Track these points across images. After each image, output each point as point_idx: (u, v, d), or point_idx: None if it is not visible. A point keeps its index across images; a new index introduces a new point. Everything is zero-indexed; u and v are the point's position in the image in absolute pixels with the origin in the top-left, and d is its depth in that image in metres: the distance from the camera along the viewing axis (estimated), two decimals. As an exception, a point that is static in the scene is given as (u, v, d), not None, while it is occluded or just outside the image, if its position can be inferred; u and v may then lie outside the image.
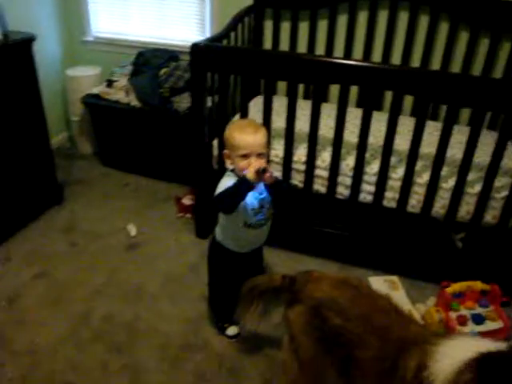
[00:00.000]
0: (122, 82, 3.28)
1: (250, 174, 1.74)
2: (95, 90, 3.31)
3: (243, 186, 1.77)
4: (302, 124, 2.53)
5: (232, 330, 2.18)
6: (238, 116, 2.76)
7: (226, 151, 1.88)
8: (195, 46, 2.30)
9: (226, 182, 1.85)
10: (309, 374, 1.68)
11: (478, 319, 2.22)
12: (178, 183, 3.31)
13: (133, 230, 2.83)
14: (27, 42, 2.63)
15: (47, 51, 3.45)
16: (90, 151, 3.73)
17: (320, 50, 3.10)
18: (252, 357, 2.10)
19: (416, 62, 2.97)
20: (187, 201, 3.00)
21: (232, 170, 1.90)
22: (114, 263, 2.62)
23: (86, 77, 3.47)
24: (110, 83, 3.31)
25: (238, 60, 2.29)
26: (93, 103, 3.28)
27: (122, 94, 3.22)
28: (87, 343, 2.15)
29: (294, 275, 1.74)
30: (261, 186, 1.88)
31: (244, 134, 1.79)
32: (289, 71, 2.23)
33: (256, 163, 1.76)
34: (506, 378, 1.17)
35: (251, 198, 1.88)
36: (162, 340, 2.17)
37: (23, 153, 2.77)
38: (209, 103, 2.54)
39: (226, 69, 2.34)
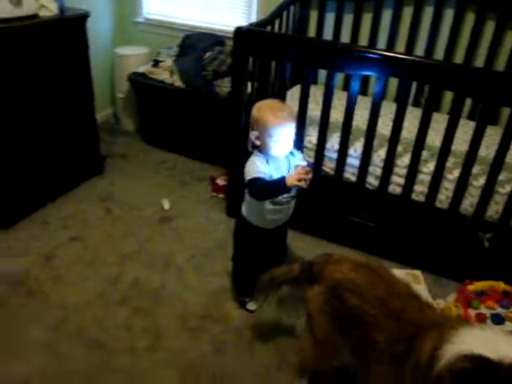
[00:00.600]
0: (168, 62, 3.39)
1: (291, 181, 1.83)
2: (141, 69, 3.43)
3: (281, 187, 1.87)
4: (338, 114, 2.57)
5: (252, 305, 2.25)
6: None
7: (255, 133, 1.92)
8: (238, 30, 2.37)
9: (257, 162, 1.92)
10: (323, 351, 1.74)
11: (498, 319, 2.21)
12: (213, 164, 3.41)
13: (166, 203, 2.94)
14: (82, 18, 2.76)
15: (99, 29, 3.59)
16: (132, 128, 3.87)
17: (363, 42, 3.12)
18: (270, 333, 2.16)
19: (459, 58, 2.96)
20: (222, 181, 3.08)
21: (259, 149, 1.97)
22: (146, 233, 2.74)
23: (134, 56, 3.60)
24: (156, 63, 3.43)
25: (278, 46, 2.35)
26: (138, 81, 3.40)
27: (167, 74, 3.33)
28: (114, 304, 2.27)
29: (312, 259, 1.80)
30: (289, 165, 1.97)
31: (278, 119, 1.86)
32: (329, 60, 2.28)
33: (301, 175, 1.84)
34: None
35: (279, 176, 1.95)
36: (185, 309, 2.27)
37: (71, 124, 2.92)
38: (249, 89, 2.61)
39: (267, 54, 2.40)
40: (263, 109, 1.92)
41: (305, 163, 2.04)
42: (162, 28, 3.71)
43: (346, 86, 3.16)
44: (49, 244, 2.61)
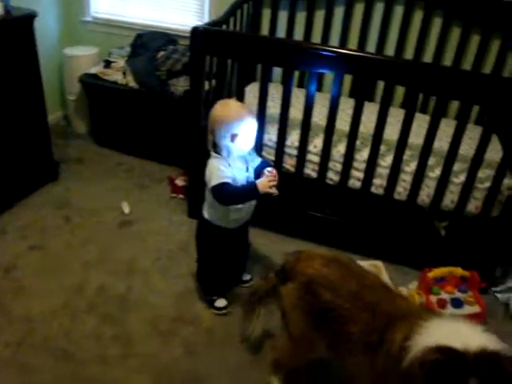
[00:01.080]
0: (120, 63, 3.33)
1: (263, 188, 1.92)
2: (93, 70, 3.35)
3: (253, 194, 1.95)
4: (296, 111, 2.60)
5: (220, 302, 2.26)
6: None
7: (218, 134, 1.93)
8: (195, 30, 2.36)
9: (220, 166, 1.93)
10: (299, 347, 1.77)
11: (457, 303, 2.32)
12: (170, 165, 3.38)
13: (126, 207, 2.90)
14: (29, 18, 2.67)
15: (45, 29, 3.47)
16: (84, 130, 3.77)
17: (316, 40, 3.16)
18: (240, 329, 2.17)
19: (409, 54, 3.05)
20: (180, 182, 3.06)
21: (217, 152, 1.98)
22: (107, 239, 2.68)
23: (84, 56, 3.50)
24: (107, 64, 3.36)
25: (236, 45, 2.36)
26: (91, 83, 3.32)
27: (119, 74, 3.27)
28: (81, 313, 2.22)
29: (283, 259, 1.82)
30: (247, 164, 2.01)
31: (242, 114, 1.92)
32: (285, 58, 2.31)
33: (271, 182, 1.94)
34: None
35: (240, 177, 1.98)
36: (153, 313, 2.25)
37: (21, 128, 2.82)
38: (206, 87, 2.60)
39: (224, 53, 2.41)
40: (224, 108, 1.94)
41: (259, 159, 2.10)
42: (112, 27, 3.63)
43: (301, 83, 3.22)
44: (7, 254, 2.52)
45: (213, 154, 2.00)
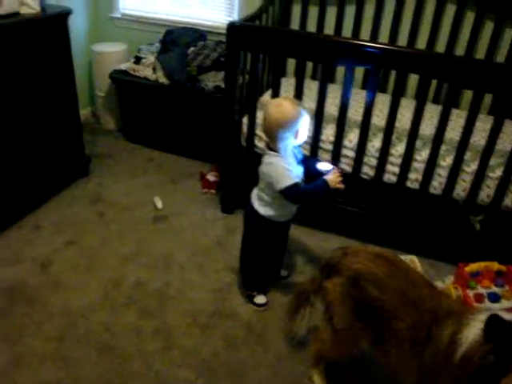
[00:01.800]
0: (150, 59, 3.34)
1: (333, 184, 1.98)
2: (123, 66, 3.37)
3: (325, 191, 1.99)
4: (329, 106, 2.60)
5: (260, 299, 2.27)
6: (266, 95, 2.84)
7: (282, 133, 1.93)
8: (232, 25, 2.36)
9: (284, 165, 1.95)
10: (342, 341, 1.78)
11: (494, 298, 2.30)
12: (200, 160, 3.39)
13: (159, 202, 2.92)
14: (64, 15, 2.69)
15: (74, 26, 3.46)
16: (113, 127, 3.80)
17: (345, 34, 3.15)
18: (279, 324, 2.19)
19: (440, 48, 3.03)
20: (211, 177, 3.08)
21: (273, 150, 1.98)
22: (142, 234, 2.71)
23: (113, 53, 3.53)
24: (137, 60, 3.37)
25: (272, 40, 2.36)
26: (121, 79, 3.34)
27: (149, 70, 3.29)
28: (120, 308, 2.25)
29: (329, 255, 1.83)
30: (296, 157, 2.04)
31: (300, 109, 1.94)
32: (322, 53, 2.30)
33: (339, 178, 2.00)
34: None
35: (297, 172, 2.01)
36: (192, 307, 2.27)
37: (55, 124, 2.85)
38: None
39: (259, 48, 2.41)
40: (283, 110, 1.92)
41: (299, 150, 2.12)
42: (140, 23, 3.65)
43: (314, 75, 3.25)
44: (43, 249, 2.55)
45: (271, 153, 1.99)
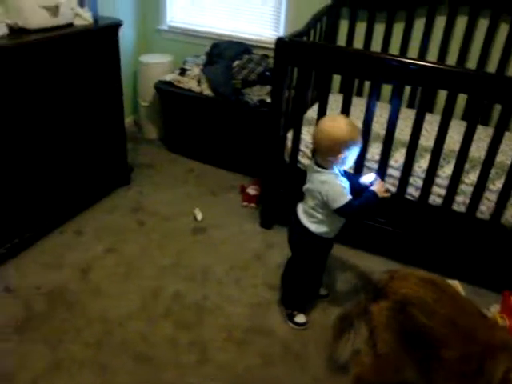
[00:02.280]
0: (195, 71, 3.38)
1: (381, 194, 1.99)
2: (168, 78, 3.41)
3: (376, 202, 2.00)
4: (374, 124, 2.56)
5: (300, 318, 2.24)
6: (311, 111, 2.82)
7: (342, 154, 1.91)
8: (280, 40, 2.36)
9: (338, 182, 1.95)
10: (384, 367, 1.72)
11: (543, 329, 2.21)
12: (241, 173, 3.39)
13: (199, 214, 2.92)
14: (115, 27, 2.75)
15: (123, 37, 3.55)
16: (155, 136, 3.85)
17: (394, 52, 3.12)
18: (317, 345, 2.15)
19: (491, 68, 2.97)
20: (252, 191, 3.07)
21: (320, 166, 1.97)
22: (181, 245, 2.71)
23: (159, 64, 3.58)
24: (182, 71, 3.41)
25: (320, 56, 2.34)
26: (165, 89, 3.38)
27: (194, 82, 3.32)
28: (157, 318, 2.25)
29: (376, 277, 1.79)
30: (341, 173, 2.03)
31: (359, 133, 1.95)
32: (370, 70, 2.28)
33: (383, 185, 2.05)
34: None
35: (347, 186, 2.00)
36: (229, 321, 2.25)
37: (100, 132, 2.90)
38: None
39: (307, 64, 2.40)
40: (350, 129, 1.90)
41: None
42: (186, 36, 3.70)
43: (359, 92, 3.25)
44: (84, 256, 2.58)
45: (323, 170, 1.97)
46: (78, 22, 2.60)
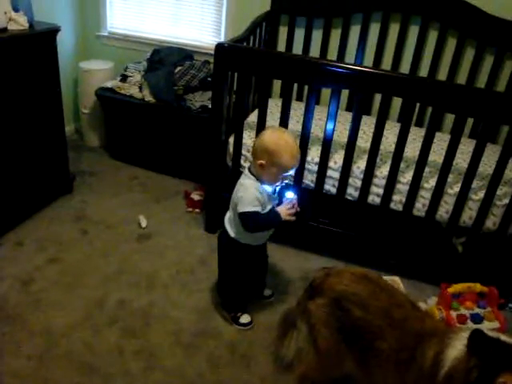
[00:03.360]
0: (136, 77, 3.36)
1: (284, 217, 1.97)
2: (109, 84, 3.37)
3: (277, 222, 1.99)
4: (314, 127, 2.63)
5: (245, 318, 2.26)
6: (252, 115, 2.86)
7: (263, 162, 1.90)
8: (220, 46, 2.39)
9: (253, 190, 1.94)
10: (327, 362, 1.77)
11: (477, 319, 2.33)
12: (185, 179, 3.40)
13: (144, 221, 2.90)
14: (52, 32, 2.69)
15: (61, 43, 3.47)
16: (97, 144, 3.79)
17: (331, 57, 3.21)
18: (263, 345, 2.18)
19: (423, 72, 3.11)
20: (196, 196, 3.07)
21: (250, 171, 1.99)
22: (126, 252, 2.68)
23: (100, 70, 3.53)
24: (124, 78, 3.38)
25: (260, 61, 2.39)
26: (107, 96, 3.34)
27: (135, 89, 3.30)
28: (102, 327, 2.21)
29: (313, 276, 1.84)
30: (274, 186, 2.03)
31: (294, 161, 1.93)
32: (309, 75, 2.34)
33: (290, 210, 1.99)
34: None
35: (270, 200, 2.02)
36: (176, 327, 2.24)
37: (40, 140, 2.83)
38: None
39: (247, 69, 2.44)
40: (282, 145, 1.89)
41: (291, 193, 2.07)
42: (127, 42, 3.67)
43: (299, 97, 3.33)
44: (25, 267, 2.51)
45: (248, 174, 1.99)
46: (12, 27, 2.53)
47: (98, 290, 2.41)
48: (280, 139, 1.91)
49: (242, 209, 1.94)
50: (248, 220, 1.95)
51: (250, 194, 1.94)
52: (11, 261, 2.54)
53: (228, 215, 2.15)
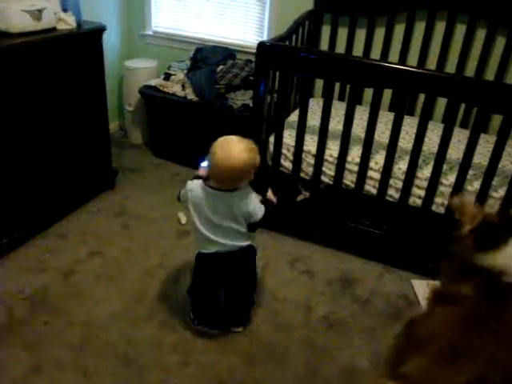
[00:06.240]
0: (179, 76, 3.40)
1: (274, 199, 2.07)
2: (153, 82, 3.43)
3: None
4: (356, 127, 2.60)
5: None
6: (293, 115, 2.86)
7: (247, 180, 1.93)
8: (262, 44, 2.40)
9: (254, 196, 1.98)
10: None
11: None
12: (225, 177, 3.41)
13: (183, 217, 2.93)
14: (98, 31, 2.76)
15: (107, 42, 3.57)
16: (140, 141, 3.86)
17: (375, 56, 3.17)
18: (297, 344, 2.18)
19: (470, 72, 3.03)
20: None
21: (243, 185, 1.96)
22: (166, 247, 2.72)
23: (144, 69, 3.60)
24: (167, 76, 3.43)
25: (301, 60, 2.37)
26: (150, 94, 3.40)
27: (178, 87, 3.34)
28: (140, 320, 2.25)
29: None
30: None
31: (257, 152, 1.93)
32: (352, 74, 2.32)
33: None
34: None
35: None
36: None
37: (84, 137, 2.90)
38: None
39: (289, 68, 2.44)
40: (252, 152, 1.89)
41: None
42: (171, 41, 3.73)
43: (341, 97, 3.31)
44: (67, 259, 2.58)
45: (249, 189, 1.98)
46: (61, 27, 2.61)
47: (137, 283, 2.46)
48: (249, 148, 1.89)
49: (262, 214, 1.96)
50: (268, 218, 1.98)
51: (256, 200, 1.97)
52: (54, 253, 2.62)
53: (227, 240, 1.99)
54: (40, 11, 2.44)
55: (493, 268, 1.59)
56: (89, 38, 2.74)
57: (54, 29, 2.56)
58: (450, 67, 3.05)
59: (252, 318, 2.28)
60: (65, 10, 2.66)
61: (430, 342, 1.52)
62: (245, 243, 2.03)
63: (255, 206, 1.94)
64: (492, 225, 1.67)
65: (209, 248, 2.01)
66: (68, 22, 2.63)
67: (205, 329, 2.21)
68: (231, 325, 2.23)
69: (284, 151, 2.66)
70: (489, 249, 1.61)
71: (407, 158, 2.45)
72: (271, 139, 2.67)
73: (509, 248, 1.60)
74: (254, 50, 2.46)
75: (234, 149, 1.87)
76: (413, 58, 3.10)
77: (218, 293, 2.16)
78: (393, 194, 2.55)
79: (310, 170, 2.66)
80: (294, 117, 2.81)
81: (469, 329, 1.49)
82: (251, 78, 3.23)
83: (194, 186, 2.01)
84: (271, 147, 2.67)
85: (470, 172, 2.38)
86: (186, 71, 3.39)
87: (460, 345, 1.46)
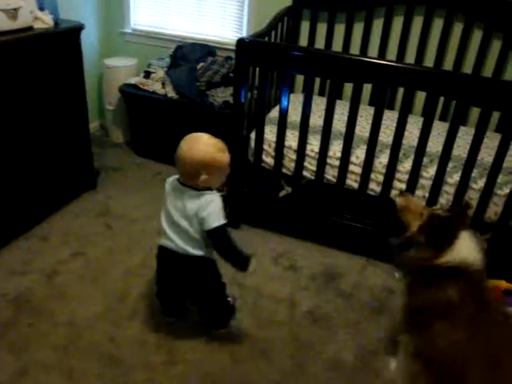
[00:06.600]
0: (159, 73, 3.38)
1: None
2: (133, 81, 3.41)
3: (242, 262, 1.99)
4: (336, 122, 2.62)
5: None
6: (274, 110, 2.86)
7: (206, 177, 1.85)
8: (241, 41, 2.39)
9: (219, 201, 1.92)
10: None
11: (503, 316, 2.29)
12: (207, 175, 3.40)
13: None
14: (76, 30, 2.74)
15: (85, 40, 3.53)
16: (121, 140, 3.84)
17: (354, 51, 3.19)
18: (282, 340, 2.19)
19: (448, 65, 3.06)
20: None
21: (209, 189, 1.94)
22: (148, 247, 2.69)
23: (124, 67, 3.58)
24: (147, 74, 3.42)
25: (281, 56, 2.38)
26: (130, 93, 3.38)
27: (158, 85, 3.33)
28: (125, 320, 2.24)
29: None
30: None
31: (226, 153, 1.93)
32: (331, 70, 2.33)
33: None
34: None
35: None
36: (197, 320, 2.24)
37: (64, 136, 2.87)
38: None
39: (268, 64, 2.44)
40: (211, 150, 1.88)
41: None
42: (151, 39, 3.71)
43: (321, 92, 3.33)
44: (50, 260, 2.56)
45: (208, 191, 1.92)
46: (38, 26, 2.58)
47: (119, 283, 2.44)
48: (208, 146, 1.89)
49: (219, 223, 1.86)
50: (225, 233, 1.90)
51: (219, 206, 1.90)
52: (37, 254, 2.59)
53: (177, 243, 1.95)
54: (16, 10, 2.40)
55: (458, 265, 1.66)
56: (66, 37, 2.71)
57: (30, 28, 2.53)
58: (429, 61, 3.09)
59: (235, 317, 2.26)
60: (41, 8, 2.63)
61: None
62: (196, 252, 1.93)
63: (212, 213, 1.86)
64: (440, 220, 1.72)
65: (163, 242, 2.00)
66: (45, 20, 2.60)
67: (171, 319, 2.23)
68: (210, 328, 2.22)
69: (265, 147, 2.66)
70: (443, 247, 1.67)
71: (388, 151, 2.47)
72: (252, 135, 2.68)
73: (461, 241, 1.68)
74: (234, 47, 2.46)
75: (197, 143, 1.91)
76: (391, 53, 3.13)
77: (174, 286, 2.13)
78: (374, 187, 2.57)
79: (292, 165, 2.67)
80: (274, 113, 2.82)
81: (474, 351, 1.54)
82: (231, 74, 3.23)
83: (170, 179, 2.02)
84: (252, 143, 2.68)
85: (450, 164, 2.41)
86: (166, 69, 3.38)
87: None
